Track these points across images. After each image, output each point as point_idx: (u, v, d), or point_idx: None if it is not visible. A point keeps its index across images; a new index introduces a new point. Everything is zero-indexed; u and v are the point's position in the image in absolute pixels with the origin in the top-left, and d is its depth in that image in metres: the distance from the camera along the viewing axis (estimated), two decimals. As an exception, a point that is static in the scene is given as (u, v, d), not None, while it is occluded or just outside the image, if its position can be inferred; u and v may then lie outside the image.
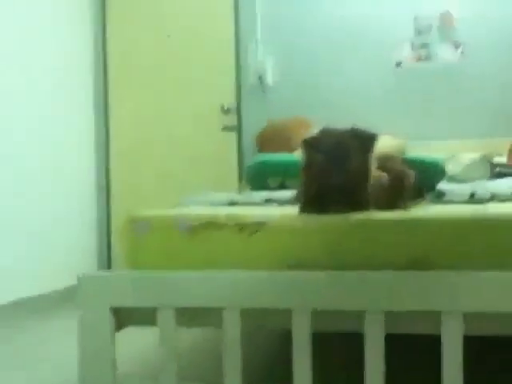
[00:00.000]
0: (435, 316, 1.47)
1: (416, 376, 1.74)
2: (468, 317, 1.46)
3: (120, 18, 4.57)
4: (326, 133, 1.76)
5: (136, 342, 2.44)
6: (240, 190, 3.00)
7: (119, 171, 4.60)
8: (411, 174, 2.02)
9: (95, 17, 4.54)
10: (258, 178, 2.74)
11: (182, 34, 4.44)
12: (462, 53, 3.89)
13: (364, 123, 3.86)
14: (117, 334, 1.72)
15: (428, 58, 3.96)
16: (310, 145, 1.76)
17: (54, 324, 3.13)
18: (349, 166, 1.69)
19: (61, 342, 2.57)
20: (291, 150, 3.62)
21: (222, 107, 4.31)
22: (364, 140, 1.74)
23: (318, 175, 1.71)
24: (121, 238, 1.79)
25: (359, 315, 1.52)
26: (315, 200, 1.67)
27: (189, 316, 1.67)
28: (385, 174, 1.88)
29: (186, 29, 4.43)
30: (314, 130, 1.81)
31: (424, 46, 3.97)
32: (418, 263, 1.54)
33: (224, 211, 1.76)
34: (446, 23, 3.92)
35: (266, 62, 4.21)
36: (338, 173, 1.67)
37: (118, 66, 4.59)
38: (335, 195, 1.66)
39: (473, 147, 3.52)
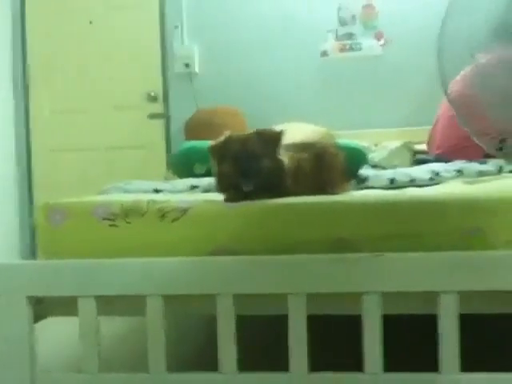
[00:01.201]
0: (356, 297, 1.50)
1: (339, 354, 1.79)
2: (387, 296, 1.50)
3: (39, 4, 4.40)
4: (231, 138, 1.80)
5: (58, 333, 2.38)
6: (167, 179, 2.96)
7: (42, 163, 4.44)
8: (335, 153, 2.07)
9: (13, 2, 4.35)
10: (183, 165, 2.72)
11: (105, 20, 4.32)
12: (384, 44, 3.98)
13: (291, 112, 3.89)
14: (37, 325, 1.65)
15: (352, 48, 4.03)
16: (217, 152, 1.79)
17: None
18: (258, 166, 1.72)
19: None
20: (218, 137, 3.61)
21: (149, 95, 4.24)
22: (269, 139, 1.78)
23: (229, 181, 1.75)
24: (36, 227, 1.73)
25: (282, 298, 1.53)
26: (233, 199, 1.69)
27: (110, 305, 1.63)
28: (306, 156, 1.92)
29: (108, 15, 4.31)
30: (220, 137, 1.83)
31: (348, 36, 4.04)
32: (342, 247, 1.57)
33: (145, 198, 1.73)
34: (368, 14, 4.00)
35: (192, 49, 4.17)
36: (248, 176, 1.70)
37: (39, 54, 4.41)
38: (251, 196, 1.68)
39: (395, 135, 3.61)
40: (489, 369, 1.50)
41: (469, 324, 1.59)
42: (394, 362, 1.53)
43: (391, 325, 1.60)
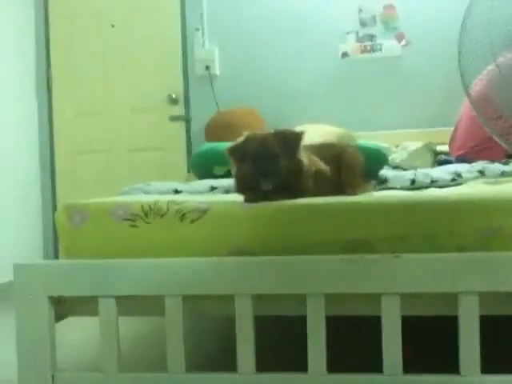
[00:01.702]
0: (375, 298, 1.50)
1: (358, 355, 1.78)
2: (406, 297, 1.49)
3: (62, 8, 4.45)
4: (249, 139, 1.79)
5: (79, 333, 2.41)
6: (188, 180, 2.97)
7: (65, 165, 4.50)
8: (353, 153, 2.07)
9: (36, 5, 4.42)
10: (203, 166, 2.73)
11: (127, 23, 4.36)
12: (405, 44, 3.96)
13: (310, 113, 3.89)
14: (58, 325, 1.67)
15: (373, 49, 4.01)
16: (236, 153, 1.80)
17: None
18: (277, 166, 1.72)
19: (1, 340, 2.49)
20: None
21: (170, 97, 4.27)
22: (288, 139, 1.78)
23: (248, 181, 1.75)
24: (58, 227, 1.75)
25: (301, 299, 1.53)
26: (252, 200, 1.69)
27: (131, 305, 1.65)
28: (324, 164, 1.92)
29: (130, 18, 4.35)
30: (239, 138, 1.84)
31: (369, 37, 4.02)
32: (358, 247, 1.56)
33: (165, 199, 1.74)
34: (389, 15, 3.98)
35: (212, 51, 4.19)
36: (267, 175, 1.70)
37: (62, 57, 4.47)
38: (270, 196, 1.68)
39: (417, 136, 3.58)
40: (509, 370, 1.48)
41: (488, 325, 1.57)
42: (413, 363, 1.52)
43: (411, 326, 1.59)
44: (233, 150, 1.83)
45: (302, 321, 1.53)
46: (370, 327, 1.62)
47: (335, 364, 1.55)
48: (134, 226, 1.67)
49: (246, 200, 1.70)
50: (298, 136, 1.80)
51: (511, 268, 1.42)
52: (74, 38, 4.44)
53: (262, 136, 1.82)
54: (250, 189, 1.73)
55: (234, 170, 1.88)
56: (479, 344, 1.46)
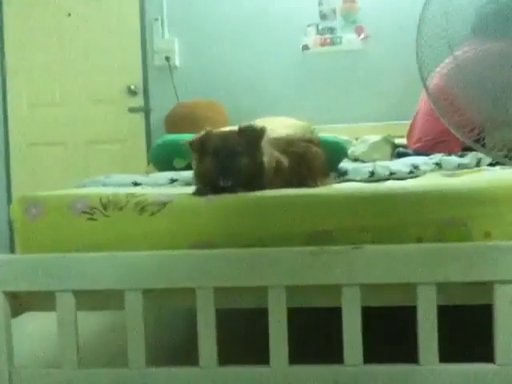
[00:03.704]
0: (336, 289, 1.51)
1: (319, 346, 1.79)
2: (366, 288, 1.51)
3: (17, -4, 4.33)
4: (211, 135, 1.79)
5: (38, 328, 2.36)
6: (148, 173, 2.94)
7: (20, 157, 4.39)
8: (315, 152, 2.08)
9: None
10: (163, 158, 2.70)
11: (84, 12, 4.26)
12: (364, 38, 3.99)
13: (272, 106, 3.89)
14: (14, 320, 1.63)
15: (332, 42, 4.03)
16: (196, 148, 1.79)
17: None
18: (238, 164, 1.71)
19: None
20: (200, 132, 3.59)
21: (129, 88, 4.21)
22: (251, 135, 1.77)
23: (208, 179, 1.74)
24: (13, 221, 1.70)
25: (262, 291, 1.53)
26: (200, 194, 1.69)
27: (90, 299, 1.62)
28: (285, 158, 1.93)
29: (87, 7, 4.26)
30: (200, 132, 1.83)
31: (329, 30, 4.04)
32: (321, 239, 1.57)
33: (124, 191, 1.71)
34: (349, 9, 4.00)
35: (172, 42, 4.14)
36: (227, 173, 1.70)
37: (17, 47, 4.35)
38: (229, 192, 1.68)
39: (376, 130, 3.62)
40: (467, 359, 1.52)
41: (447, 315, 1.61)
42: (373, 353, 1.54)
43: (371, 317, 1.61)
44: (194, 145, 1.81)
45: (263, 313, 1.53)
46: (331, 318, 1.64)
47: (297, 356, 1.56)
48: (93, 219, 1.64)
49: (196, 193, 1.69)
50: (259, 133, 1.79)
51: (468, 259, 1.45)
52: (29, 27, 4.32)
53: (224, 133, 1.81)
54: (210, 184, 1.72)
55: (194, 164, 1.87)
56: (437, 334, 1.48)
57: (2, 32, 4.34)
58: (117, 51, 4.22)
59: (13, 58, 4.35)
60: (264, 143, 1.80)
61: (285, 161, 1.94)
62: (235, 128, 1.82)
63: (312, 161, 2.04)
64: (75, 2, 4.27)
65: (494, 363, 1.48)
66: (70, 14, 4.27)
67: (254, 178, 1.74)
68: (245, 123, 1.85)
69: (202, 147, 1.78)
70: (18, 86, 4.36)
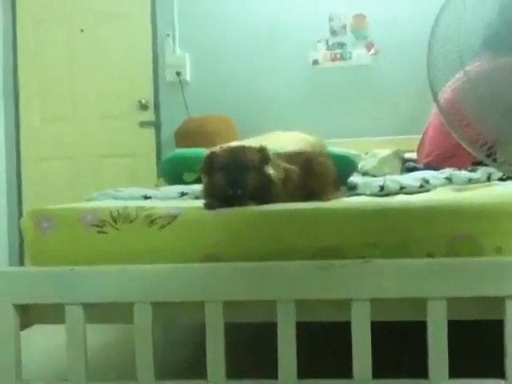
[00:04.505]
0: (345, 303, 1.50)
1: (328, 361, 1.78)
2: (375, 303, 1.50)
3: (30, 12, 4.38)
4: (216, 153, 1.82)
5: (47, 340, 2.36)
6: (158, 186, 2.95)
7: (31, 171, 4.41)
8: (323, 159, 2.08)
9: (4, 9, 4.34)
10: (173, 172, 2.71)
11: (97, 28, 4.31)
12: (374, 53, 4.00)
13: (282, 120, 3.89)
14: (23, 333, 1.64)
15: (342, 57, 4.05)
16: (206, 169, 1.81)
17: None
18: (246, 174, 1.73)
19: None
20: (210, 146, 3.60)
21: (140, 103, 4.24)
22: (254, 155, 1.79)
23: (218, 190, 1.76)
24: (24, 234, 1.71)
25: (271, 305, 1.52)
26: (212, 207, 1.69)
27: (99, 312, 1.62)
28: (294, 168, 1.93)
29: (100, 23, 4.30)
30: (215, 148, 1.86)
31: (339, 45, 4.05)
32: (330, 254, 1.56)
33: (134, 204, 1.72)
34: (359, 24, 4.02)
35: (183, 57, 4.17)
36: (237, 182, 1.71)
37: (29, 62, 4.39)
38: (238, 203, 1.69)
39: (386, 144, 3.61)
40: (477, 375, 1.50)
41: (457, 330, 1.59)
42: (383, 368, 1.52)
43: (380, 331, 1.60)
44: (203, 170, 1.84)
45: (272, 327, 1.53)
46: (341, 333, 1.63)
47: (306, 370, 1.54)
48: (103, 232, 1.64)
49: (206, 206, 1.69)
50: (261, 152, 1.81)
51: (478, 273, 1.44)
52: (42, 43, 4.36)
53: (230, 148, 1.83)
54: (219, 198, 1.73)
55: (203, 180, 1.89)
56: (447, 349, 1.47)
57: (15, 47, 4.40)
58: (128, 66, 4.26)
59: (25, 73, 4.40)
60: (271, 157, 1.81)
61: (294, 169, 1.94)
62: (241, 143, 1.83)
63: (318, 168, 2.04)
64: (88, 18, 4.32)
65: (505, 379, 1.46)
66: (82, 30, 4.32)
67: (263, 191, 1.75)
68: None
69: (210, 167, 1.80)
70: (31, 100, 4.40)
